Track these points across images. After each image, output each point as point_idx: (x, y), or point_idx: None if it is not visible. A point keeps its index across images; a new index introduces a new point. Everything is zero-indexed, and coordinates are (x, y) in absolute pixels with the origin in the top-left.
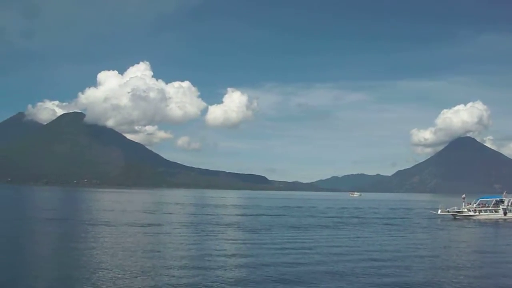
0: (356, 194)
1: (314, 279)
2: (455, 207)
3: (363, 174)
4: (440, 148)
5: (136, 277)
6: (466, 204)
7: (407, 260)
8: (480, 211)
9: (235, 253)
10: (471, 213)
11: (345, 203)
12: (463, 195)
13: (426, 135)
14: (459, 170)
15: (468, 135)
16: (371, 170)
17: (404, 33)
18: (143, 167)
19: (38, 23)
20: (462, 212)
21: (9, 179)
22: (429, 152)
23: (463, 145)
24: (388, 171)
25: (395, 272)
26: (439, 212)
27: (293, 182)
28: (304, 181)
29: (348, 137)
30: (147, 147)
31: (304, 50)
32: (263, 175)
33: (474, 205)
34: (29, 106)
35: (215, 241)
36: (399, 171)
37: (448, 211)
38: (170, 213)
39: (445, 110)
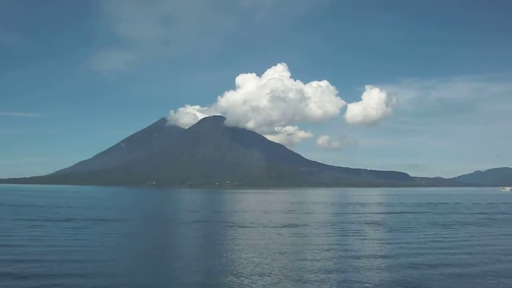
0: (507, 188)
1: (458, 284)
2: None
3: (507, 167)
4: None
5: (278, 281)
6: None
7: None
8: None
9: (378, 254)
10: None
11: (492, 198)
12: None
13: None
14: None
15: None
16: None
17: None
18: (284, 167)
19: (176, 31)
20: None
21: (154, 183)
22: None
23: None
24: None
25: None
26: None
27: (435, 178)
28: (446, 177)
29: (490, 130)
30: (287, 147)
31: (441, 43)
32: (404, 172)
33: None
34: (171, 111)
35: (358, 241)
36: None
37: None
38: (312, 213)
39: None
